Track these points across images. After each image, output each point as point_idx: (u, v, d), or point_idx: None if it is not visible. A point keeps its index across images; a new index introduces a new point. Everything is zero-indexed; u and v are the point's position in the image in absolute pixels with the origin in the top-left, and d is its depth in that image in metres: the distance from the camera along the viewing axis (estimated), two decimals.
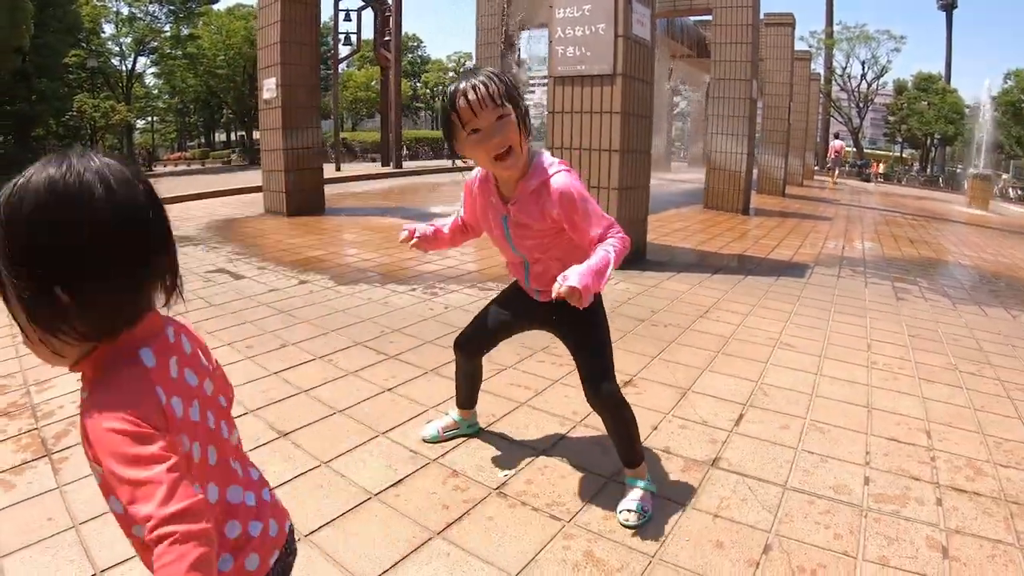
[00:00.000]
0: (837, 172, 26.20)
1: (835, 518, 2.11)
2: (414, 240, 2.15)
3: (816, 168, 29.57)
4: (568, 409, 2.86)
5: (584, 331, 2.11)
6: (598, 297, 2.12)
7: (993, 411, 3.09)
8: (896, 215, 13.72)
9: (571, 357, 2.19)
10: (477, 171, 2.11)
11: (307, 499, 2.15)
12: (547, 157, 1.95)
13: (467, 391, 2.56)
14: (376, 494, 2.20)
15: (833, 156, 26.86)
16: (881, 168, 35.49)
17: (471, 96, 1.77)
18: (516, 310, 2.30)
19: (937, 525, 2.10)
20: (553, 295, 1.69)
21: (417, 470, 2.36)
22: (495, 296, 2.42)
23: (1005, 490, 2.34)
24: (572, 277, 1.67)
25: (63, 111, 26.21)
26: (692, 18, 17.06)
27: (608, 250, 1.80)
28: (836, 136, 30.77)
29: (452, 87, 1.82)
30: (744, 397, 3.08)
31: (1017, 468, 2.51)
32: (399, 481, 2.28)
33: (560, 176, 1.90)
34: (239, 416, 2.77)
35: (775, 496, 2.22)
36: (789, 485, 2.29)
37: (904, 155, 46.92)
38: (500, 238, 2.08)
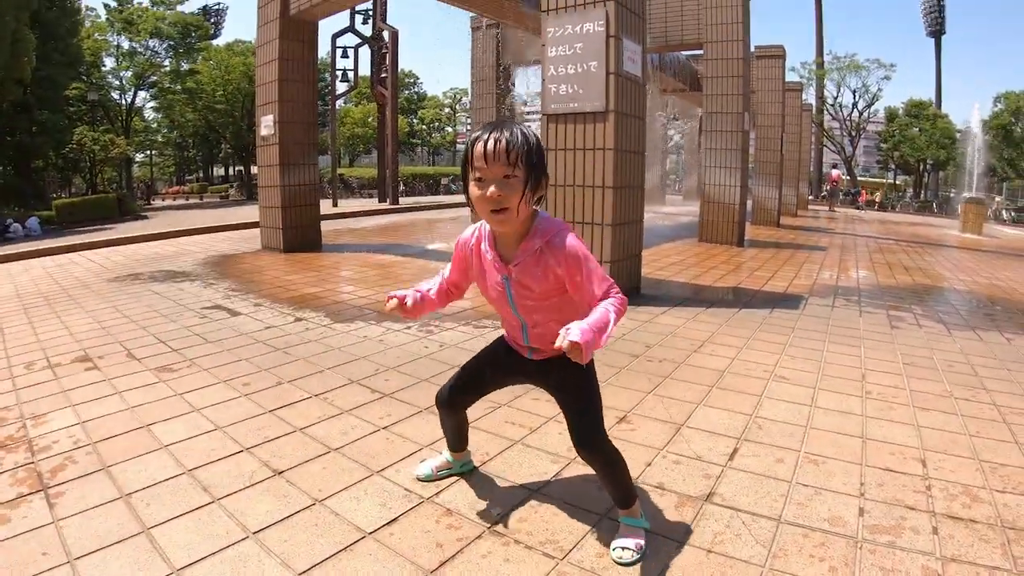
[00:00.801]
0: (834, 201, 26.68)
1: (830, 551, 2.10)
2: (399, 306, 2.12)
3: (811, 198, 29.80)
4: (562, 446, 2.86)
5: (575, 389, 2.12)
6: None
7: (989, 436, 3.09)
8: (890, 242, 13.79)
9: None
10: (471, 229, 2.12)
11: (302, 538, 2.15)
12: (550, 218, 1.98)
13: (455, 437, 2.55)
14: (370, 533, 2.20)
15: (831, 186, 27.36)
16: (875, 196, 35.75)
17: (489, 146, 1.82)
18: (504, 366, 2.28)
19: (933, 554, 2.09)
20: (555, 346, 1.71)
21: (411, 508, 2.35)
22: (479, 352, 2.39)
23: (1002, 516, 2.34)
24: (574, 332, 1.70)
25: (63, 143, 26.39)
26: (684, 53, 17.28)
27: (608, 309, 1.83)
28: (834, 166, 31.22)
29: (480, 131, 1.88)
30: (738, 431, 3.07)
31: (1013, 493, 2.51)
32: (393, 520, 2.28)
33: (565, 235, 1.93)
34: (235, 454, 2.78)
35: (769, 530, 2.22)
36: (783, 519, 2.29)
37: (897, 182, 47.25)
38: (501, 299, 2.07)
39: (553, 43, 5.93)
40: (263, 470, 2.64)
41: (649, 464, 2.71)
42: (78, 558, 2.03)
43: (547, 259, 1.93)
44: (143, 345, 4.52)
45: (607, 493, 2.21)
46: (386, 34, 20.30)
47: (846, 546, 2.13)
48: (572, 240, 1.93)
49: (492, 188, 1.83)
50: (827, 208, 26.69)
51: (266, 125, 9.39)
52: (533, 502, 2.40)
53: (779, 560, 2.05)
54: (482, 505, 2.38)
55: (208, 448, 2.84)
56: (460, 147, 57.98)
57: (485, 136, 1.84)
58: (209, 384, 3.70)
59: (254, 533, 2.18)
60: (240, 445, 2.87)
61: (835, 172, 29.09)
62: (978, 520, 2.31)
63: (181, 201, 36.25)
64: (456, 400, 2.38)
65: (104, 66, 34.07)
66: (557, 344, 1.70)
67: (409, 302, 2.11)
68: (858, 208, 28.88)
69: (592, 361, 2.15)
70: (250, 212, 11.95)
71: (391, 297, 2.12)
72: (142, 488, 2.48)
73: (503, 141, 1.82)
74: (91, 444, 2.89)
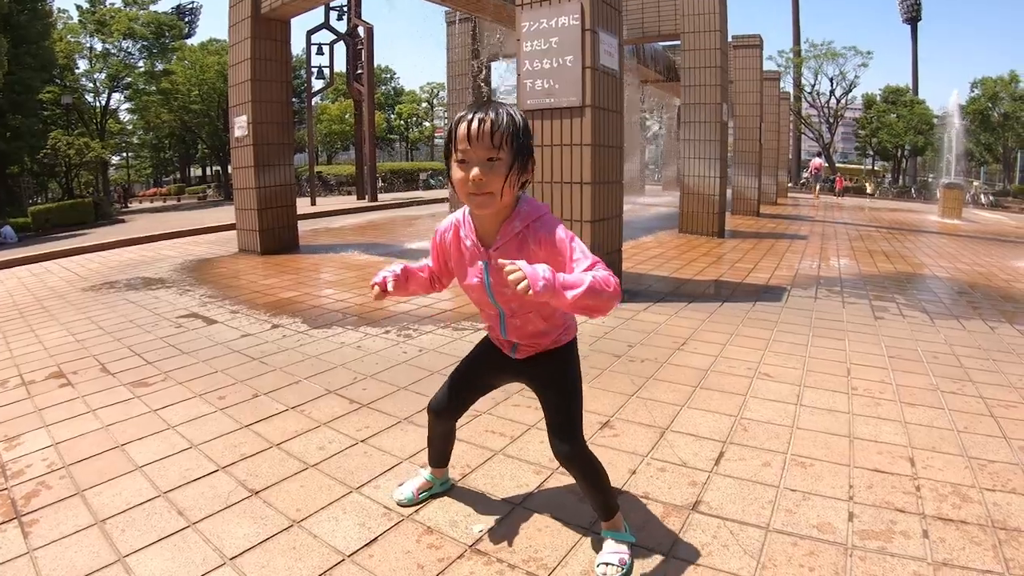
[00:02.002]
0: (819, 187, 26.96)
1: (819, 559, 2.06)
2: (382, 293, 2.00)
3: (790, 185, 29.98)
4: (544, 456, 2.79)
5: (557, 387, 2.06)
6: (573, 352, 2.10)
7: (977, 431, 3.07)
8: (871, 229, 13.84)
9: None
10: (449, 219, 2.03)
11: (280, 563, 2.07)
12: (533, 201, 1.91)
13: (441, 451, 2.46)
14: (349, 555, 2.12)
15: (813, 172, 27.68)
16: (850, 183, 36.00)
17: (473, 127, 1.73)
18: (491, 367, 2.22)
19: (924, 559, 2.05)
20: (501, 264, 1.62)
21: (391, 528, 2.28)
22: (466, 356, 2.33)
23: (992, 516, 2.31)
24: (525, 264, 1.60)
25: (38, 148, 25.92)
26: (661, 44, 17.25)
27: (585, 276, 1.67)
28: (818, 155, 31.57)
29: (464, 111, 1.79)
30: (724, 434, 3.03)
31: (1003, 491, 2.48)
32: (372, 540, 2.21)
33: (547, 218, 1.86)
34: (211, 473, 2.69)
35: (758, 539, 2.17)
36: (772, 527, 2.24)
37: (876, 168, 47.58)
38: (478, 287, 1.97)
39: (528, 37, 5.84)
40: (239, 490, 2.56)
41: (634, 472, 2.65)
42: None
43: (528, 243, 1.84)
44: (118, 359, 4.41)
45: (590, 504, 2.14)
46: (361, 30, 20.08)
47: (836, 554, 2.09)
48: (553, 223, 1.84)
49: (475, 171, 1.74)
50: (811, 195, 26.96)
51: (240, 126, 9.24)
52: (516, 517, 2.34)
53: (768, 571, 2.00)
54: (463, 522, 2.31)
55: (183, 468, 2.75)
56: (439, 141, 57.69)
57: (469, 116, 1.75)
58: (184, 399, 3.60)
59: (231, 559, 2.10)
60: (216, 464, 2.78)
61: (817, 160, 29.47)
62: (969, 521, 2.27)
63: (159, 203, 35.85)
64: (449, 406, 2.29)
65: (78, 68, 33.52)
66: (503, 264, 1.61)
67: (390, 286, 1.99)
68: (837, 195, 29.08)
69: (577, 363, 2.10)
70: (227, 213, 11.79)
71: (374, 285, 2.00)
72: (117, 513, 2.39)
73: (488, 122, 1.73)
74: (65, 467, 2.79)
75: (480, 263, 1.93)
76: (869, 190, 31.03)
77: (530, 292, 1.55)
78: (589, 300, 1.64)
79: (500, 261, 1.64)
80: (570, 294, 1.62)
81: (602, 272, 1.71)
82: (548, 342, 2.05)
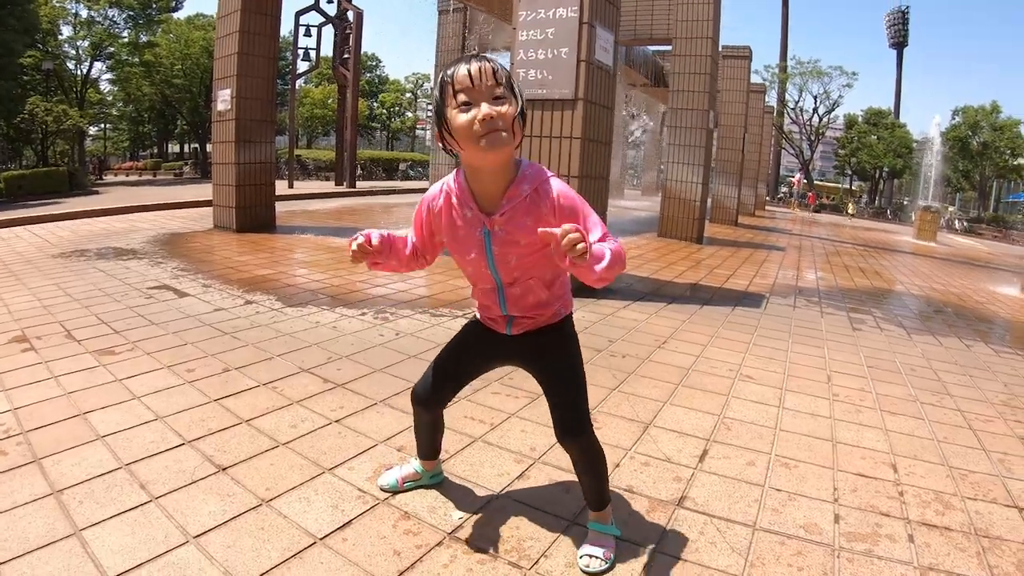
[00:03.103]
0: (796, 202, 27.53)
1: (807, 559, 2.01)
2: (363, 249, 1.82)
3: (768, 199, 30.25)
4: (525, 445, 2.73)
5: (560, 371, 1.94)
6: (572, 328, 1.99)
7: (956, 442, 3.06)
8: (847, 246, 13.98)
9: (541, 390, 2.00)
10: (437, 187, 1.85)
11: (247, 543, 1.97)
12: (533, 163, 1.78)
13: (428, 442, 2.31)
14: (321, 538, 2.02)
15: (796, 188, 28.39)
16: (826, 201, 36.47)
17: (474, 68, 1.61)
18: (480, 350, 2.07)
19: (911, 563, 2.03)
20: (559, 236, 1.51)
21: (366, 511, 2.19)
22: (451, 341, 2.13)
23: (975, 524, 2.29)
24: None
25: (15, 113, 25.30)
26: (650, 48, 17.29)
27: (606, 247, 1.58)
28: (800, 170, 32.19)
29: (452, 64, 1.66)
30: (707, 432, 2.98)
31: (984, 501, 2.48)
32: (346, 524, 2.11)
33: (558, 181, 1.75)
34: (176, 447, 2.58)
35: (745, 537, 2.12)
36: (758, 525, 2.19)
37: (853, 187, 48.24)
38: (478, 259, 1.83)
39: (524, 27, 5.77)
40: (206, 466, 2.44)
41: (617, 465, 2.58)
42: (2, 563, 1.83)
43: (539, 207, 1.72)
44: (84, 326, 4.25)
45: (583, 491, 2.05)
46: (351, 14, 19.84)
47: (823, 555, 2.04)
48: (563, 185, 1.75)
49: (484, 106, 1.60)
50: (788, 209, 27.42)
51: (223, 100, 9.04)
52: (497, 505, 2.26)
53: (757, 569, 1.95)
54: (442, 509, 2.23)
55: (147, 440, 2.62)
56: (420, 133, 57.23)
57: (465, 63, 1.63)
58: (152, 369, 3.47)
59: (195, 537, 1.99)
60: (182, 438, 2.66)
61: (797, 176, 30.34)
62: (953, 528, 2.25)
63: (134, 177, 35.22)
64: (433, 395, 2.13)
65: (61, 34, 32.81)
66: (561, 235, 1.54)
67: (375, 240, 1.83)
68: (811, 211, 29.45)
69: (577, 340, 2.00)
70: (204, 190, 11.56)
71: (353, 241, 1.81)
72: (75, 484, 2.26)
73: (487, 64, 1.63)
74: (23, 433, 2.65)
75: (479, 232, 1.79)
76: (851, 210, 30.82)
77: (586, 256, 1.47)
78: (608, 272, 1.56)
79: (543, 230, 1.50)
80: (597, 267, 1.54)
81: (615, 243, 1.63)
82: (549, 314, 1.92)
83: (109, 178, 34.07)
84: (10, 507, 2.11)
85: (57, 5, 31.76)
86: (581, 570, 1.90)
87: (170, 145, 50.47)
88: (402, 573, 1.88)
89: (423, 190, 15.76)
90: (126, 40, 33.74)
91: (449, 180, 1.82)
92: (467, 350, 2.09)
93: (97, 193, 19.27)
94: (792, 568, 1.97)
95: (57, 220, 10.58)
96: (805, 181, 38.66)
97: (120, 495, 2.21)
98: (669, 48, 11.82)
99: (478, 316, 2.06)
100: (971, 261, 14.05)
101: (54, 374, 3.35)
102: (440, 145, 1.73)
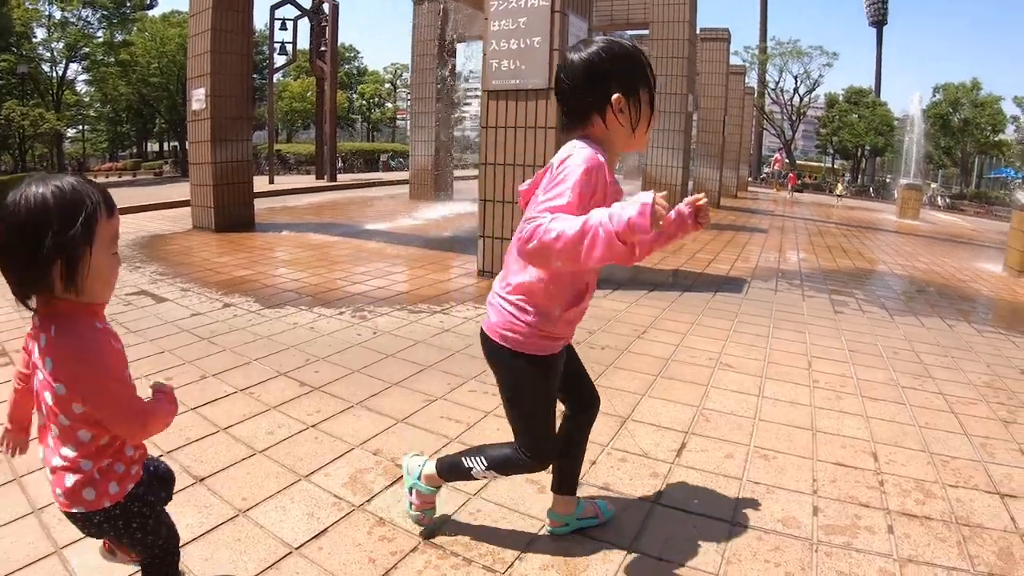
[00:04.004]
0: (777, 183, 27.52)
1: (785, 554, 2.00)
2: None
3: (750, 180, 30.28)
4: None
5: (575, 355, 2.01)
6: None
7: (938, 427, 3.06)
8: (830, 226, 14.01)
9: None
10: (592, 152, 1.58)
11: (223, 555, 1.94)
12: None
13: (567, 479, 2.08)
14: (297, 548, 2.00)
15: (776, 168, 28.28)
16: (809, 180, 36.53)
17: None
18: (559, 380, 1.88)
19: (890, 555, 2.01)
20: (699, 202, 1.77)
21: (341, 519, 2.16)
22: (548, 395, 1.84)
23: (956, 512, 2.28)
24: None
25: None
26: (629, 32, 17.21)
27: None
28: (780, 150, 32.14)
29: (637, 51, 1.66)
30: (685, 424, 2.96)
31: (965, 487, 2.47)
32: (322, 532, 2.08)
33: None
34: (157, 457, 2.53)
35: (722, 533, 2.10)
36: (736, 521, 2.18)
37: (836, 166, 48.42)
38: None
39: (496, 17, 5.71)
40: (183, 477, 2.40)
41: (594, 462, 2.56)
42: None
43: None
44: None
45: (563, 477, 2.04)
46: (326, 6, 19.65)
47: (801, 549, 2.03)
48: None
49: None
50: (771, 190, 27.47)
51: (197, 99, 8.92)
52: (472, 508, 2.24)
53: (733, 566, 1.94)
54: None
55: None
56: (401, 123, 56.75)
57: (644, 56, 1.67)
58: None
59: None
60: (159, 448, 2.61)
61: (776, 155, 30.23)
62: (933, 517, 2.24)
63: (114, 178, 34.78)
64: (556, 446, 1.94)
65: (35, 37, 32.34)
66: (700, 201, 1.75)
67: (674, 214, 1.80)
68: (790, 191, 29.29)
69: None
70: (184, 190, 11.39)
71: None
72: (54, 502, 2.22)
73: None
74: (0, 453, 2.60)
75: None
76: (839, 191, 30.09)
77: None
78: None
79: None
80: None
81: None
82: None
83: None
84: None
85: (30, 7, 31.30)
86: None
87: (149, 144, 49.95)
88: None
89: (404, 181, 15.49)
90: (101, 40, 33.33)
91: (593, 148, 1.61)
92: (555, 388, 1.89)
93: None
94: (769, 564, 1.95)
95: None
96: (787, 161, 38.74)
97: None
98: (647, 32, 11.75)
99: (553, 351, 1.79)
100: (954, 238, 14.13)
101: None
102: (615, 109, 1.63)
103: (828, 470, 2.56)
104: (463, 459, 1.94)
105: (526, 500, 2.28)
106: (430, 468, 2.02)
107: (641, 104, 1.65)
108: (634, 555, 1.99)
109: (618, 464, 2.57)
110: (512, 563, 1.94)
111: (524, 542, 2.04)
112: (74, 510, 1.41)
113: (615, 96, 1.61)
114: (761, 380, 3.61)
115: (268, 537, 2.05)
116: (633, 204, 1.37)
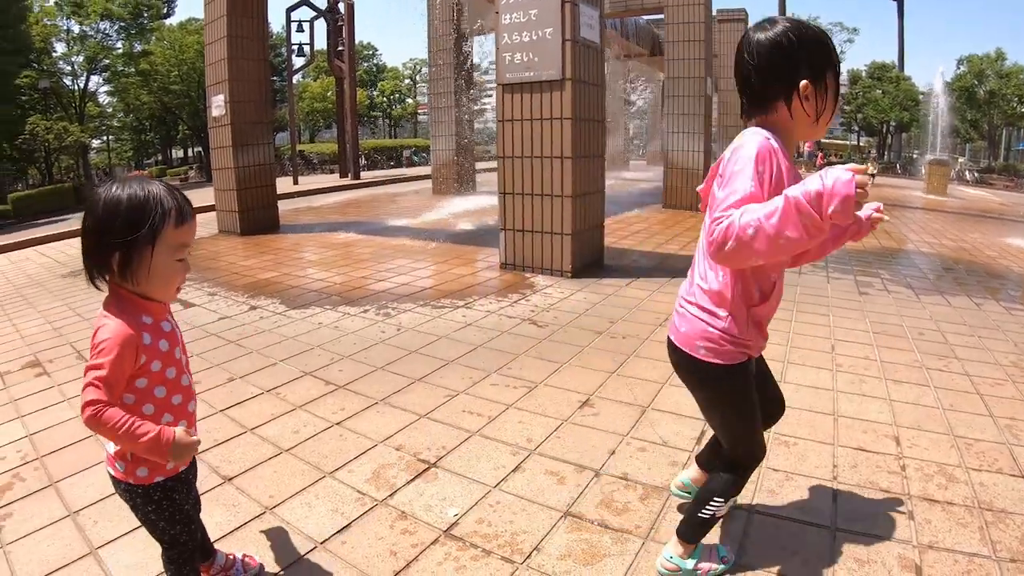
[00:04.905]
0: (805, 163, 26.92)
1: (803, 542, 2.00)
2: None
3: None
4: (522, 436, 2.73)
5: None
6: None
7: (963, 410, 3.02)
8: None
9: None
10: (764, 137, 1.54)
11: (250, 552, 1.99)
12: None
13: None
14: (321, 542, 2.06)
15: (809, 148, 27.56)
16: (836, 159, 35.92)
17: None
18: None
19: (909, 542, 2.00)
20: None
21: (364, 513, 2.21)
22: (751, 399, 1.78)
23: (978, 497, 2.26)
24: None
25: (16, 134, 25.52)
26: (645, 17, 17.08)
27: None
28: None
29: (825, 35, 1.58)
30: None
31: (989, 471, 2.44)
32: (345, 527, 2.14)
33: None
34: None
35: (740, 521, 2.11)
36: (754, 508, 2.18)
37: (861, 143, 47.65)
38: None
39: (507, 10, 5.71)
40: (212, 477, 2.48)
41: (613, 452, 2.58)
42: None
43: None
44: None
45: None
46: (342, 6, 19.74)
47: (820, 536, 2.03)
48: None
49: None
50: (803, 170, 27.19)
51: (217, 105, 9.04)
52: (491, 500, 2.27)
53: (751, 554, 1.95)
54: (438, 506, 2.24)
55: None
56: (422, 118, 56.96)
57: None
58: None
59: None
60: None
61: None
62: (955, 502, 2.22)
63: None
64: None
65: (55, 52, 32.84)
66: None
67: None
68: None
69: None
70: (209, 194, 11.55)
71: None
72: (89, 504, 2.32)
73: None
74: (39, 459, 2.71)
75: None
76: (871, 170, 29.43)
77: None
78: None
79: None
80: None
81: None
82: None
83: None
84: (30, 531, 2.18)
85: (49, 23, 31.79)
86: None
87: (174, 151, 50.58)
88: (397, 573, 1.91)
89: (428, 176, 15.51)
90: (120, 51, 33.75)
91: (765, 134, 1.57)
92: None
93: None
94: (786, 552, 1.96)
95: (65, 238, 10.66)
96: (824, 139, 38.15)
97: (131, 513, 2.24)
98: (662, 16, 11.64)
99: (746, 356, 1.72)
100: (984, 213, 13.85)
101: (66, 396, 3.40)
102: (801, 96, 1.56)
103: (849, 456, 2.55)
104: (699, 514, 1.80)
105: (545, 492, 2.31)
106: (675, 549, 1.87)
107: (828, 92, 1.57)
108: (651, 544, 2.01)
109: (637, 453, 2.58)
110: (530, 554, 1.97)
111: (542, 533, 2.08)
112: (109, 470, 1.59)
113: (803, 82, 1.54)
114: (783, 365, 3.58)
115: (294, 533, 2.12)
116: (831, 173, 1.33)
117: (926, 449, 2.61)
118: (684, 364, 1.74)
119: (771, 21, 1.59)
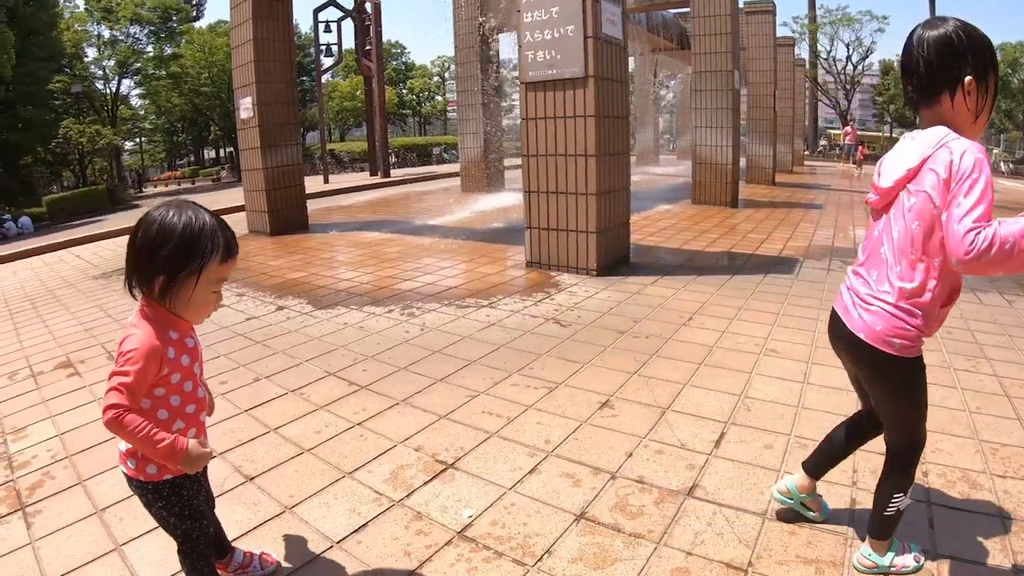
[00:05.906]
0: (846, 155, 26.03)
1: (817, 550, 1.98)
2: None
3: (806, 153, 29.40)
4: (540, 438, 2.75)
5: None
6: None
7: (989, 412, 2.96)
8: None
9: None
10: (978, 149, 1.61)
11: (268, 550, 2.04)
12: None
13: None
14: (338, 542, 2.10)
15: (849, 142, 26.71)
16: (869, 151, 35.21)
17: None
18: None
19: (928, 551, 1.96)
20: None
21: (380, 513, 2.25)
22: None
23: (1002, 504, 2.21)
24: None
25: (50, 138, 26.17)
26: (671, 11, 16.93)
27: None
28: (852, 120, 30.28)
29: (988, 39, 1.66)
30: (726, 414, 2.95)
31: (1014, 478, 2.38)
32: (362, 527, 2.18)
33: None
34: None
35: (754, 527, 2.10)
36: (769, 514, 2.17)
37: (894, 135, 46.78)
38: None
39: (528, 8, 5.71)
40: (235, 476, 2.54)
41: (630, 455, 2.59)
42: None
43: None
44: None
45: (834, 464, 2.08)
46: (368, 6, 19.87)
47: (835, 544, 2.01)
48: None
49: None
50: (838, 163, 26.12)
51: (245, 108, 9.17)
52: (506, 501, 2.29)
53: (763, 561, 1.94)
54: (453, 508, 2.27)
55: None
56: (452, 115, 57.18)
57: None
58: None
59: None
60: (214, 451, 2.75)
61: (848, 127, 28.27)
62: (976, 511, 2.18)
63: (173, 186, 36.00)
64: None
65: (86, 57, 33.66)
66: None
67: None
68: (858, 165, 28.16)
69: None
70: (240, 195, 11.74)
71: None
72: (115, 502, 2.39)
73: None
74: (68, 457, 2.80)
75: None
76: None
77: None
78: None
79: None
80: None
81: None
82: None
83: (149, 190, 34.93)
84: (59, 528, 2.26)
85: (79, 29, 32.54)
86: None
87: (206, 151, 51.34)
88: (410, 574, 1.93)
89: (457, 174, 15.52)
90: (151, 55, 34.44)
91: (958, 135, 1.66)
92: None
93: (138, 207, 19.77)
94: (800, 560, 1.94)
95: (98, 240, 10.90)
96: (858, 131, 37.52)
97: None
98: (687, 10, 11.54)
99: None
100: (1020, 205, 13.53)
101: (96, 396, 3.49)
102: (964, 91, 1.64)
103: (870, 460, 2.49)
104: (884, 512, 1.85)
105: (560, 494, 2.32)
106: (871, 547, 1.90)
107: (988, 92, 1.66)
108: (664, 549, 2.01)
109: (654, 456, 2.58)
110: (542, 557, 1.99)
111: (555, 536, 2.09)
112: (121, 468, 1.63)
113: (967, 78, 1.62)
114: (807, 366, 3.55)
115: (311, 532, 2.16)
116: None
117: (950, 454, 2.57)
118: (869, 358, 1.80)
119: (942, 19, 1.68)
